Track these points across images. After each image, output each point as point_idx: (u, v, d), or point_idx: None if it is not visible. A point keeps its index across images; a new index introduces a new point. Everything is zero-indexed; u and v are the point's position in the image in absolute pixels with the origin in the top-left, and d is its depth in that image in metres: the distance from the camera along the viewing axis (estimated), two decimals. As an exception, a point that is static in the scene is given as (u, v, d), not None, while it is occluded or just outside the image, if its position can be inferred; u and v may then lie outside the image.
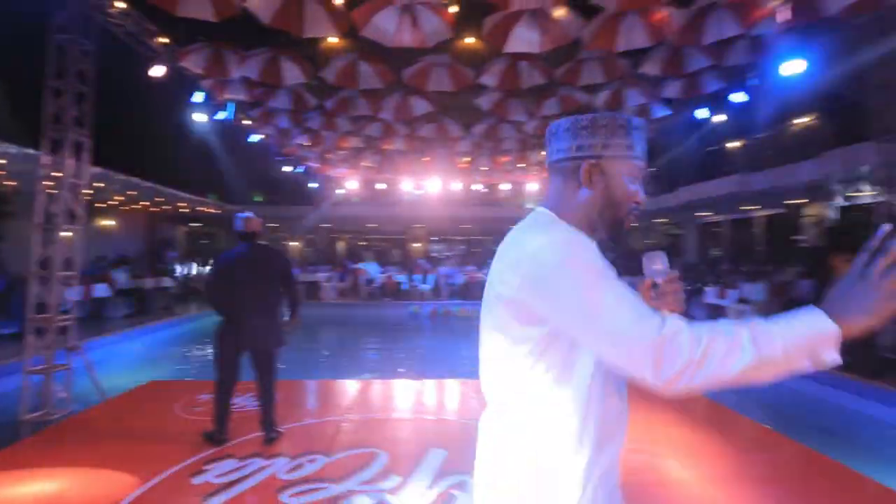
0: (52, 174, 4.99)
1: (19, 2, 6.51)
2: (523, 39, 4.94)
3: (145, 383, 5.66)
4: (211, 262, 14.28)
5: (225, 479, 3.09)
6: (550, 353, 0.94)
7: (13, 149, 7.56)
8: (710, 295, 9.47)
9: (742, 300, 8.54)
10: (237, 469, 3.23)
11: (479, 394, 4.01)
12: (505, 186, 17.09)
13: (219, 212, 16.50)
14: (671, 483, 3.21)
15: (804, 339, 0.77)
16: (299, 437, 3.88)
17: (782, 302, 7.89)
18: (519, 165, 12.73)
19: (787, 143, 10.77)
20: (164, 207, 16.02)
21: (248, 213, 3.83)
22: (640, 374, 0.81)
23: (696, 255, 16.54)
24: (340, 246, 24.63)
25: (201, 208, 15.82)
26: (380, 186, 17.27)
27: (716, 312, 9.16)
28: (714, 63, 6.30)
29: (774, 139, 11.35)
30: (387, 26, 4.88)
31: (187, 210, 15.89)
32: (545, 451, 0.94)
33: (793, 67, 6.55)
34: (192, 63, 6.73)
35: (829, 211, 10.10)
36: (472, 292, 14.70)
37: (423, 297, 14.12)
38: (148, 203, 14.64)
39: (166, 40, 6.87)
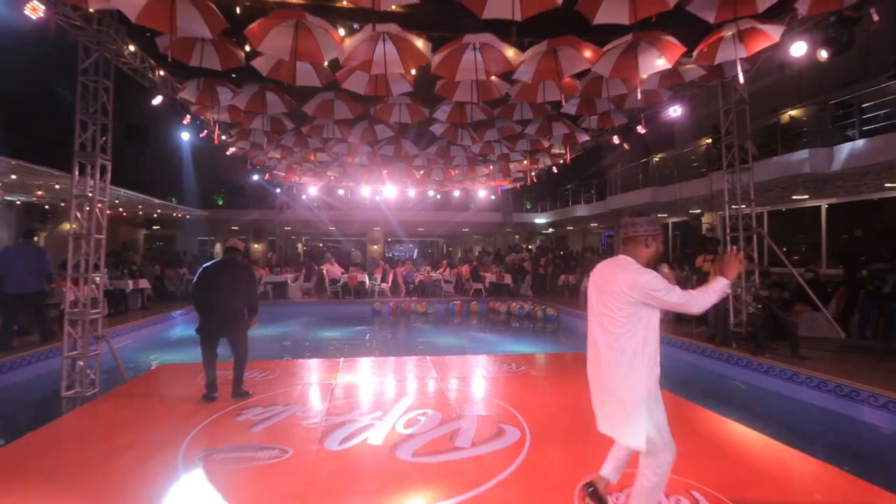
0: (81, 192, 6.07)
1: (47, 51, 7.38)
2: (466, 94, 6.49)
3: (157, 367, 6.78)
4: (179, 264, 14.96)
5: (260, 417, 4.44)
6: (637, 318, 2.45)
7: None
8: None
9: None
10: (265, 412, 4.59)
11: (437, 366, 5.77)
12: (456, 193, 18.71)
13: (185, 216, 17.11)
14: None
15: (722, 287, 2.49)
16: (302, 394, 5.26)
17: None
18: (468, 177, 14.35)
19: (690, 162, 13.00)
20: (126, 212, 16.49)
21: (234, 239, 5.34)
22: (687, 312, 2.50)
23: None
24: (300, 248, 25.45)
25: (167, 212, 16.41)
26: (340, 192, 18.44)
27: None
28: (616, 106, 8.11)
29: (678, 158, 13.59)
30: (362, 82, 6.29)
31: (154, 214, 16.43)
32: (634, 364, 2.44)
33: (675, 111, 8.58)
34: (187, 94, 7.83)
35: (717, 220, 12.37)
36: (427, 290, 16.20)
37: (383, 295, 15.47)
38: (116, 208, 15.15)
39: (162, 73, 7.98)
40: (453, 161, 11.80)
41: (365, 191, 17.16)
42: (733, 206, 7.59)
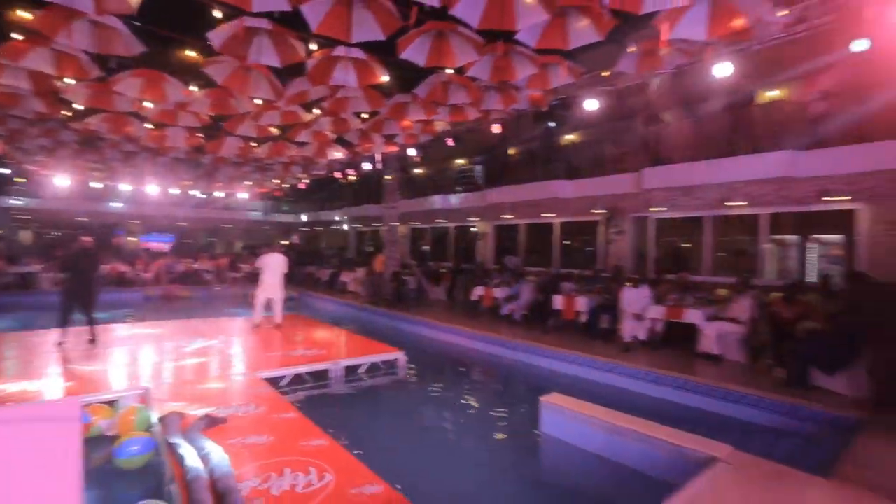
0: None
1: None
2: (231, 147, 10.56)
3: None
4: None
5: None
6: None
7: None
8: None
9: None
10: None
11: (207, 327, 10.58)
12: (219, 194, 21.41)
13: None
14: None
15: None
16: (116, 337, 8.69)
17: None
18: (230, 188, 17.80)
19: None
20: None
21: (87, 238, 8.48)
22: None
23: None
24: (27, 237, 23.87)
25: None
26: (95, 185, 18.85)
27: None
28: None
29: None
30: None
31: None
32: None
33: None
34: None
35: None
36: (189, 278, 18.73)
37: (146, 283, 17.50)
38: None
39: None
40: (217, 180, 15.31)
41: (124, 185, 18.13)
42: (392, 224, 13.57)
